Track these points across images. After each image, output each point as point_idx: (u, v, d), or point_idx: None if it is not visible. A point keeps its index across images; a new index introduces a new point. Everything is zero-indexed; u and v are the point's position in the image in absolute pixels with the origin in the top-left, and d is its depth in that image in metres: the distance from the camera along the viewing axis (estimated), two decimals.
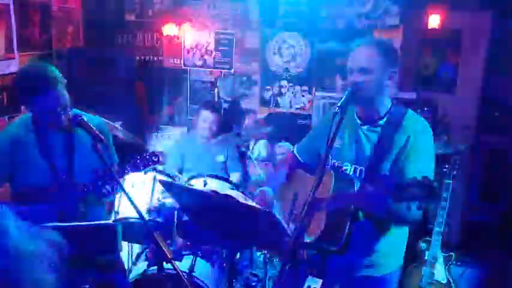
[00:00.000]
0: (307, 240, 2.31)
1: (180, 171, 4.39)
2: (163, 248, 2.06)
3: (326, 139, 2.22)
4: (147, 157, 2.64)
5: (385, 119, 2.32)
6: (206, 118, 4.34)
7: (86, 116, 2.45)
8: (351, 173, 2.38)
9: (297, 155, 2.76)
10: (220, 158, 4.41)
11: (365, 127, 2.37)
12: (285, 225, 2.10)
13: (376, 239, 2.38)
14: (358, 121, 2.40)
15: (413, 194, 1.83)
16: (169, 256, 2.05)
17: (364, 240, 2.35)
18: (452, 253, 3.84)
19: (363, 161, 2.34)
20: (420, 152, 2.23)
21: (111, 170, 2.24)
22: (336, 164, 2.43)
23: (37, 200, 2.46)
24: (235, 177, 4.34)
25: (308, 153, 2.71)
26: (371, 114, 2.35)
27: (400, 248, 2.49)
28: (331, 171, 2.33)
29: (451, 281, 3.79)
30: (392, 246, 2.43)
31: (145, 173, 3.39)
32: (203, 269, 3.47)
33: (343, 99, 2.18)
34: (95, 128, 2.34)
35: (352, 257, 2.37)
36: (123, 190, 2.18)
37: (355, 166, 2.37)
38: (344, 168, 2.40)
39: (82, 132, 2.37)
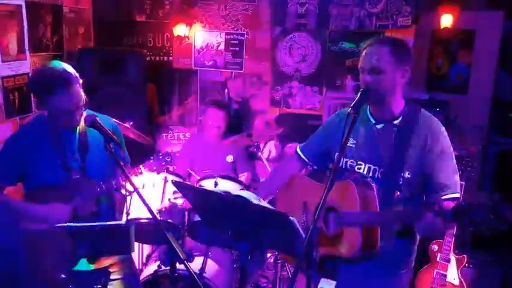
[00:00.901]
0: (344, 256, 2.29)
1: (190, 172, 4.39)
2: (176, 249, 2.06)
3: (337, 139, 2.21)
4: (161, 158, 2.64)
5: (400, 118, 2.32)
6: (213, 116, 4.29)
7: (99, 117, 2.45)
8: (365, 172, 2.37)
9: (302, 156, 2.71)
10: (230, 158, 4.39)
11: (379, 126, 2.36)
12: (299, 227, 2.08)
13: (390, 240, 2.36)
14: (372, 120, 2.39)
15: (477, 218, 1.80)
16: (182, 257, 2.04)
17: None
18: (464, 255, 3.81)
19: (378, 160, 2.33)
20: (444, 154, 2.24)
21: (124, 170, 2.23)
22: (349, 162, 2.41)
23: (50, 199, 2.46)
24: (244, 177, 4.33)
25: (315, 154, 2.68)
26: (385, 113, 2.35)
27: (412, 247, 2.48)
28: (351, 182, 2.26)
29: (464, 283, 3.76)
30: (404, 246, 2.42)
31: (158, 173, 3.40)
32: (213, 270, 3.47)
33: (356, 99, 2.17)
34: (107, 128, 2.34)
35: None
36: (136, 190, 2.17)
37: (369, 165, 2.36)
38: (357, 167, 2.38)
39: (95, 132, 2.37)
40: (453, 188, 2.22)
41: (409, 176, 2.25)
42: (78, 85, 2.41)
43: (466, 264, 3.83)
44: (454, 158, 2.28)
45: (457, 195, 2.23)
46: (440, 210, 1.93)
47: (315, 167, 2.71)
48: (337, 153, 2.09)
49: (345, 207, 2.26)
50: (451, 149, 2.28)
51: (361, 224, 2.19)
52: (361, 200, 2.21)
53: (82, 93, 2.44)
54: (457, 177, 2.27)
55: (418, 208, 2.13)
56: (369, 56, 2.26)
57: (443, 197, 2.19)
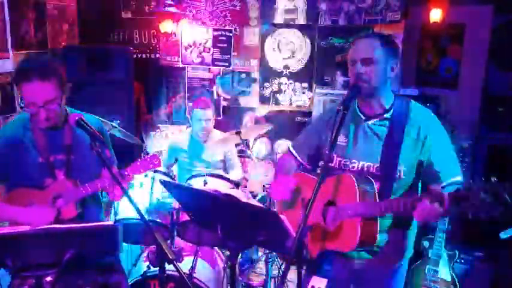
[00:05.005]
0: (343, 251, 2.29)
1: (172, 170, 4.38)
2: (165, 249, 2.01)
3: (327, 136, 2.18)
4: (148, 160, 2.58)
5: (391, 112, 2.30)
6: (200, 116, 4.24)
7: (85, 116, 2.39)
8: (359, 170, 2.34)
9: (295, 154, 2.66)
10: (219, 157, 4.35)
11: (370, 122, 2.34)
12: (288, 225, 2.04)
13: (389, 234, 2.35)
14: (362, 116, 2.36)
15: (476, 202, 1.81)
16: (171, 257, 2.00)
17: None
18: (456, 251, 3.80)
19: (372, 157, 2.31)
20: (439, 142, 2.23)
21: (110, 170, 2.17)
22: (342, 161, 2.38)
23: (34, 200, 2.40)
24: (234, 175, 4.28)
25: (307, 151, 2.63)
26: (375, 108, 2.33)
27: (411, 239, 2.47)
28: (351, 175, 2.26)
29: (455, 278, 3.75)
30: (400, 239, 2.40)
31: (145, 175, 3.35)
32: (204, 270, 3.42)
33: (347, 95, 2.14)
34: (93, 128, 2.28)
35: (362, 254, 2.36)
36: (124, 190, 2.12)
37: (363, 163, 2.32)
38: (352, 165, 2.35)
39: (80, 131, 2.31)
40: (453, 173, 2.21)
41: (405, 168, 2.24)
42: (55, 81, 2.32)
43: (458, 260, 3.82)
44: (450, 143, 2.27)
45: (458, 178, 2.20)
46: (437, 196, 1.91)
47: (309, 167, 2.66)
48: (326, 151, 2.06)
49: (344, 200, 2.24)
50: (446, 134, 2.28)
51: (360, 214, 2.17)
52: (361, 193, 2.20)
53: (59, 91, 2.34)
54: (456, 161, 2.26)
55: (415, 196, 2.10)
56: (359, 46, 2.25)
57: (444, 183, 2.18)
